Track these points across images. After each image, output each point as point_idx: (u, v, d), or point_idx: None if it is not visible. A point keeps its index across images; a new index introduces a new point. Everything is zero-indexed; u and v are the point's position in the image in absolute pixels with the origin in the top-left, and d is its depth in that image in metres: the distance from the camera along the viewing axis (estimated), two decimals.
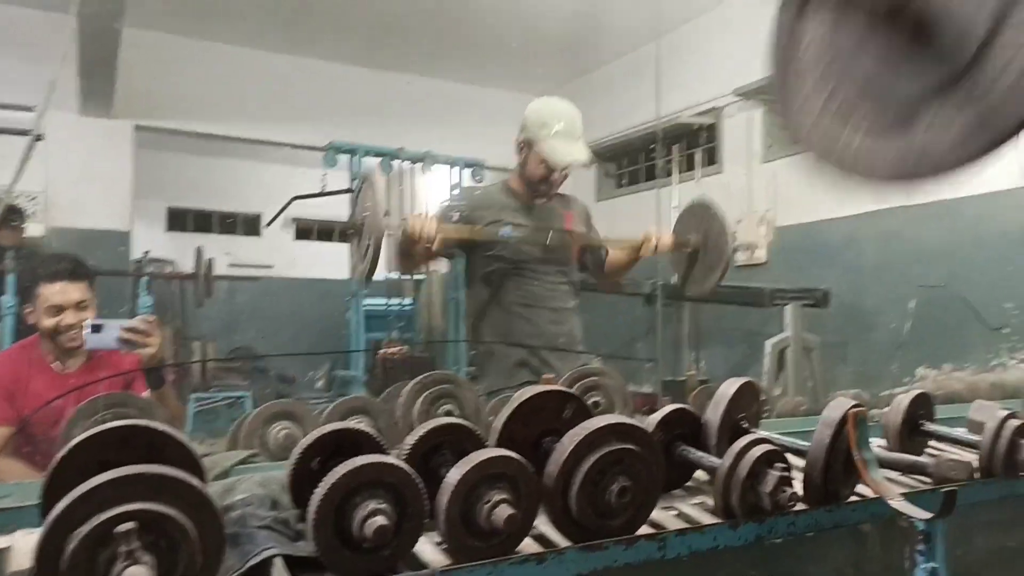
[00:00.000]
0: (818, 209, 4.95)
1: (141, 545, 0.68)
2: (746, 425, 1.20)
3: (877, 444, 1.32)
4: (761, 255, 5.58)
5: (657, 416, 1.17)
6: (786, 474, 1.03)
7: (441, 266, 4.75)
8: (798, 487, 1.06)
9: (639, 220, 2.84)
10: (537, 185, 2.42)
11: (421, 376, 1.49)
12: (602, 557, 0.89)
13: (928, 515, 1.05)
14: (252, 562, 0.78)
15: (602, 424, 0.94)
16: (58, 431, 1.25)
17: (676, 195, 6.02)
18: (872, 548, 1.33)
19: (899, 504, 1.05)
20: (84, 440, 0.79)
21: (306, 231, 9.57)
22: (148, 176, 6.60)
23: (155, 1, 5.35)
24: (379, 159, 5.08)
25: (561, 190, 2.52)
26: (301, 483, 0.92)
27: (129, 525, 0.67)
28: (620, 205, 6.73)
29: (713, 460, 1.10)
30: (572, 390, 1.12)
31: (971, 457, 1.31)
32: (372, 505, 0.81)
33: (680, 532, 0.96)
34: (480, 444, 0.99)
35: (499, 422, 1.01)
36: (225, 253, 8.02)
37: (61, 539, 0.67)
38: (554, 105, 2.41)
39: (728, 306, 4.59)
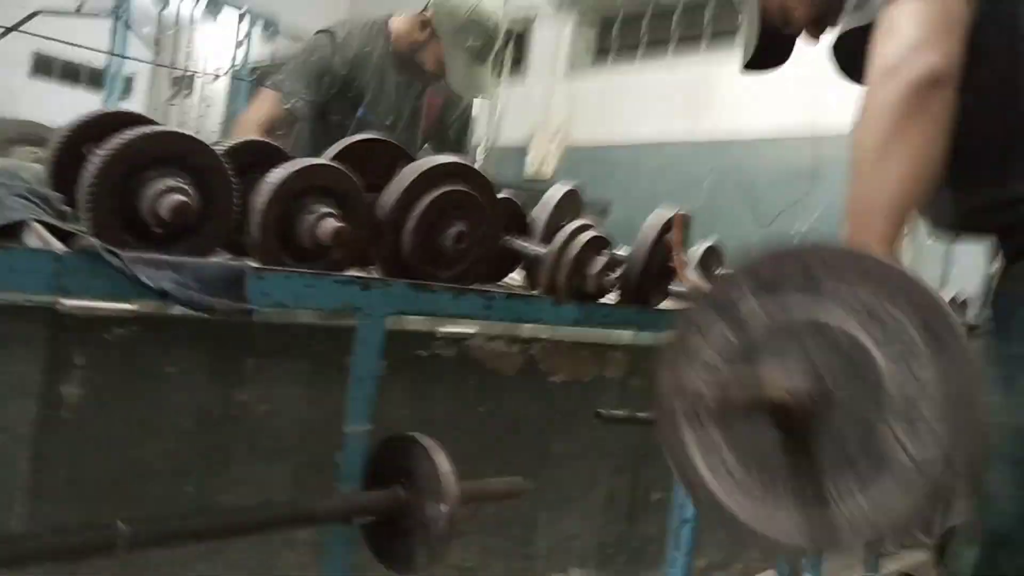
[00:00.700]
0: (610, 133, 5.18)
1: None
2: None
3: None
4: (547, 171, 5.74)
5: None
6: (610, 260, 1.02)
7: None
8: None
9: None
10: None
11: None
12: (429, 300, 0.81)
13: None
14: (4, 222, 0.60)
15: (444, 162, 0.85)
16: None
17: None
18: None
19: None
20: None
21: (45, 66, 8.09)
22: None
23: None
24: None
25: None
26: (64, 171, 0.73)
27: None
28: None
29: (540, 248, 1.06)
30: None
31: None
32: (169, 182, 0.65)
33: (510, 295, 0.91)
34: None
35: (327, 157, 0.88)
36: None
37: None
38: None
39: None
